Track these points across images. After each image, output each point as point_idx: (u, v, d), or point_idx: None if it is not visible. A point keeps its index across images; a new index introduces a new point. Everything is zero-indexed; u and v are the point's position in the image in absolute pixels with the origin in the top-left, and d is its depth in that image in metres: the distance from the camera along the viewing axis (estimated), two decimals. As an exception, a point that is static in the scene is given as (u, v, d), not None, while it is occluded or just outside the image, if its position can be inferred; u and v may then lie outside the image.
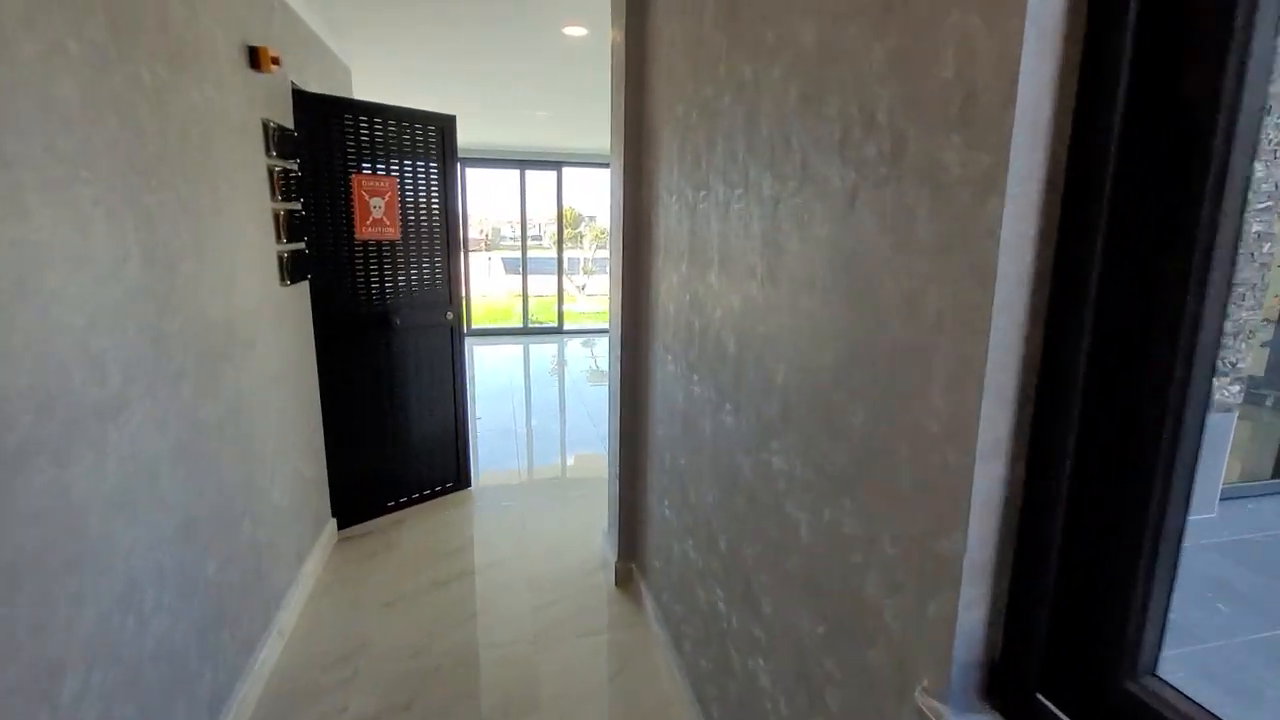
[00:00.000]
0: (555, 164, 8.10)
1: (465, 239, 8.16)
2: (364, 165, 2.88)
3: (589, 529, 3.10)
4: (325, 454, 2.88)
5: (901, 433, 0.86)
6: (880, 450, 0.92)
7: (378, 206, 2.95)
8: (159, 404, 1.47)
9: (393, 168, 2.99)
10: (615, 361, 2.57)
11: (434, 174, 3.15)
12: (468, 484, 3.55)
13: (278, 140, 2.33)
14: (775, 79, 1.21)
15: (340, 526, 3.00)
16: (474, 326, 8.31)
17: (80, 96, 1.23)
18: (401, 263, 3.08)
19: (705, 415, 1.71)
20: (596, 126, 6.07)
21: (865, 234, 0.94)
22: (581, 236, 16.03)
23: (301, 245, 2.61)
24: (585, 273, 12.83)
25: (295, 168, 2.55)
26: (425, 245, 3.17)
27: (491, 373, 6.48)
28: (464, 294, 8.93)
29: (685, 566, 1.92)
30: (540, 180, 8.48)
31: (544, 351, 7.69)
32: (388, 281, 3.05)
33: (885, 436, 0.90)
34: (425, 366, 3.27)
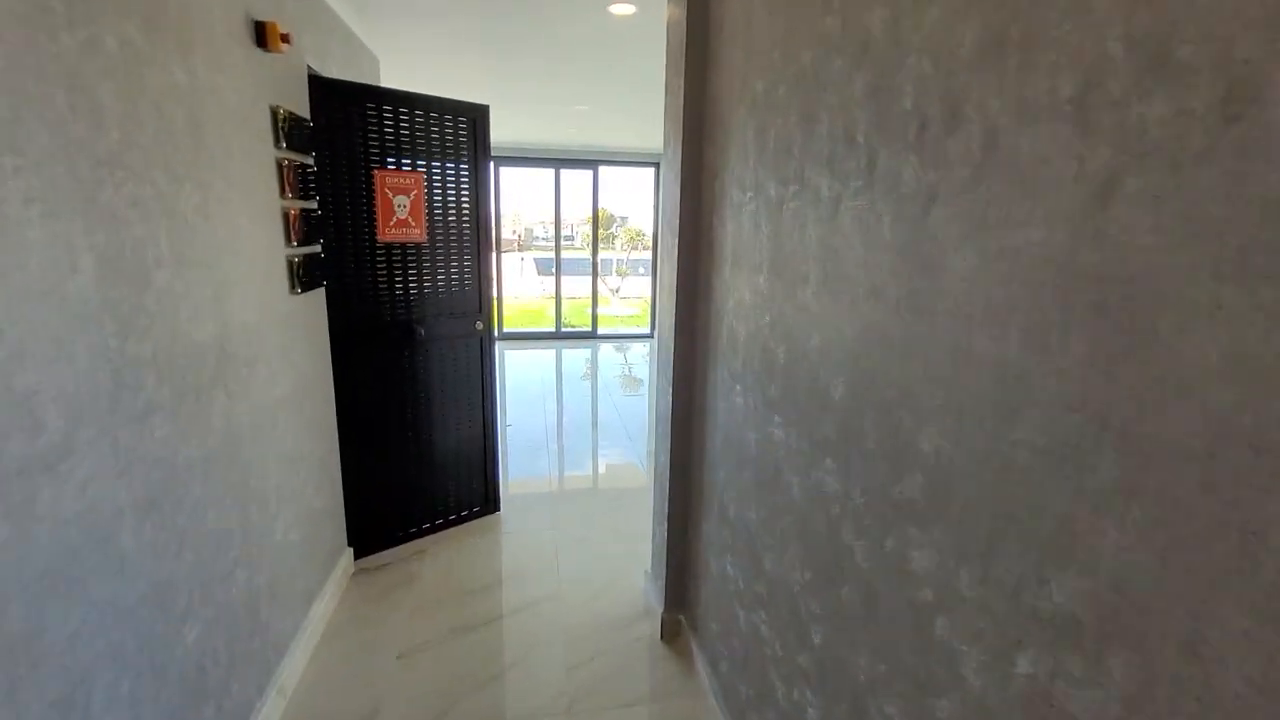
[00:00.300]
0: (591, 163, 7.82)
1: (498, 241, 7.94)
2: (388, 160, 2.60)
3: (628, 561, 2.77)
4: (342, 477, 2.61)
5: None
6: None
7: (402, 206, 2.67)
8: (118, 448, 1.19)
9: (419, 163, 2.71)
10: (665, 385, 2.23)
11: (464, 170, 2.86)
12: (496, 508, 3.26)
13: (289, 130, 2.06)
14: (934, 21, 0.85)
15: (358, 555, 2.73)
16: (505, 330, 8.08)
17: (5, 61, 0.95)
18: (428, 268, 2.80)
19: (790, 469, 1.36)
20: (637, 121, 5.75)
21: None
22: (614, 238, 15.72)
23: (317, 248, 2.34)
24: (619, 274, 12.52)
25: (311, 162, 2.28)
26: (454, 249, 2.89)
27: (523, 378, 6.21)
28: (496, 297, 8.78)
29: (756, 644, 1.57)
30: (575, 180, 8.21)
31: (577, 356, 7.41)
32: (412, 288, 2.77)
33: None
34: (452, 380, 2.98)
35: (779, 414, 1.42)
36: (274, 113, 1.96)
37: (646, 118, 5.53)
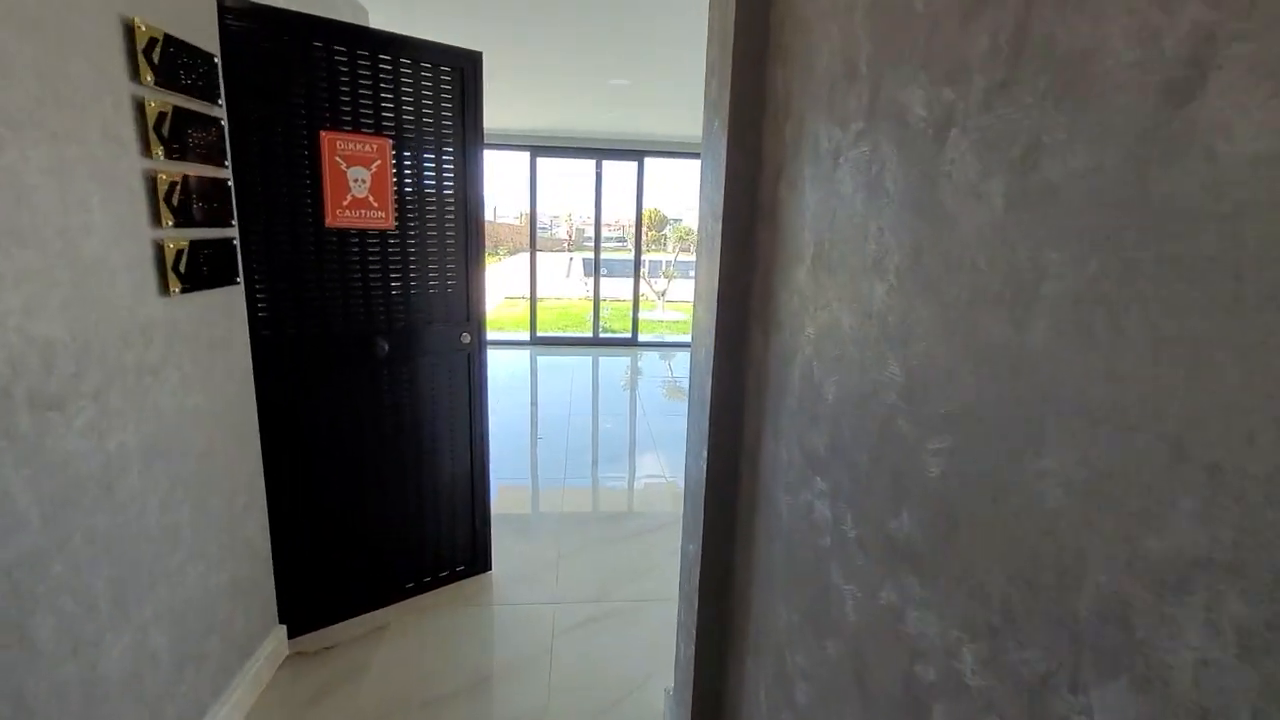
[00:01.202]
0: (636, 154, 7.13)
1: (543, 237, 7.34)
2: (341, 120, 1.97)
3: (648, 661, 2.05)
4: (272, 536, 1.99)
5: None
6: None
7: (359, 181, 2.03)
8: None
9: (385, 126, 2.06)
10: (697, 442, 1.50)
11: (448, 137, 2.20)
12: (486, 565, 2.59)
13: (168, 61, 1.43)
14: None
15: (295, 632, 2.11)
16: (539, 334, 7.48)
17: None
18: (396, 263, 2.16)
19: (922, 662, 0.61)
20: (687, 103, 5.01)
21: None
22: (665, 239, 14.98)
23: (227, 232, 1.71)
24: (666, 277, 11.75)
25: (217, 113, 1.66)
26: (433, 240, 2.23)
27: (554, 389, 5.56)
28: (530, 298, 8.05)
29: None
30: (619, 173, 7.54)
31: (614, 366, 6.72)
32: (374, 288, 2.12)
33: None
34: (430, 407, 2.33)
35: (894, 571, 0.67)
36: (129, 29, 1.34)
37: (694, 98, 4.78)
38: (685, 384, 6.07)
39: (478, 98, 2.25)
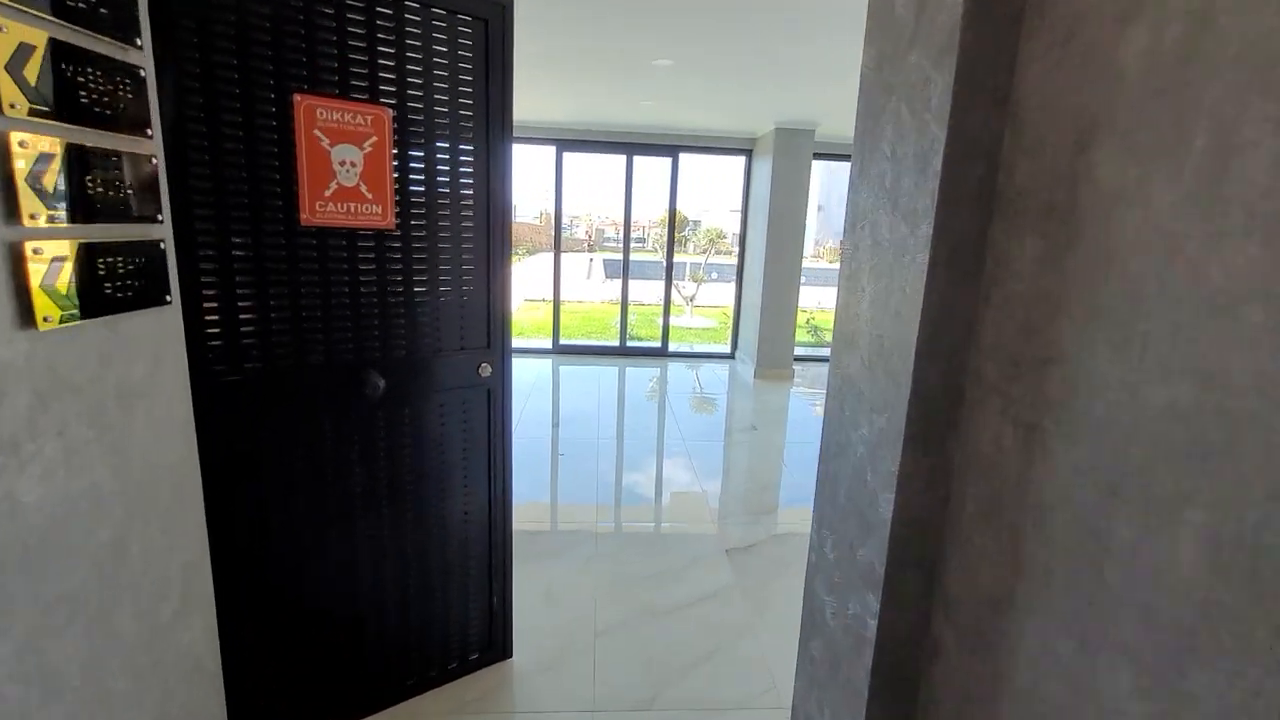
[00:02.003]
0: (670, 149, 6.59)
1: (563, 237, 6.82)
2: (324, 80, 1.46)
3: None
4: (222, 644, 1.48)
5: None
6: None
7: (349, 165, 1.51)
8: None
9: (384, 91, 1.55)
10: (819, 592, 0.96)
11: (465, 112, 1.68)
12: (505, 652, 2.07)
13: (32, -33, 0.92)
14: None
15: (259, 757, 1.60)
16: (562, 342, 6.97)
17: None
18: (397, 275, 1.64)
19: None
20: (730, 92, 4.47)
21: None
22: (686, 240, 14.38)
23: (150, 231, 1.21)
24: (695, 280, 11.13)
25: (134, 58, 1.15)
26: (446, 245, 1.72)
27: (579, 405, 5.04)
28: (554, 302, 7.59)
29: None
30: (650, 170, 7.02)
31: (643, 378, 6.19)
32: (367, 308, 1.61)
33: None
34: (437, 461, 1.81)
35: None
36: (-44, -96, 0.83)
37: (747, 84, 4.24)
38: (716, 400, 5.53)
39: (506, 60, 1.72)
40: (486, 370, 1.84)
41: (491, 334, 1.84)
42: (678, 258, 17.94)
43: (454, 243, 1.73)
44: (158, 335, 1.24)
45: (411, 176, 1.62)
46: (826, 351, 8.30)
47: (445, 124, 1.65)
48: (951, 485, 0.80)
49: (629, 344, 7.21)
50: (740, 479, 3.72)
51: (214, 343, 1.41)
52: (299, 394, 1.54)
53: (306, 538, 1.61)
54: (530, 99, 5.18)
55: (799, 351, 7.22)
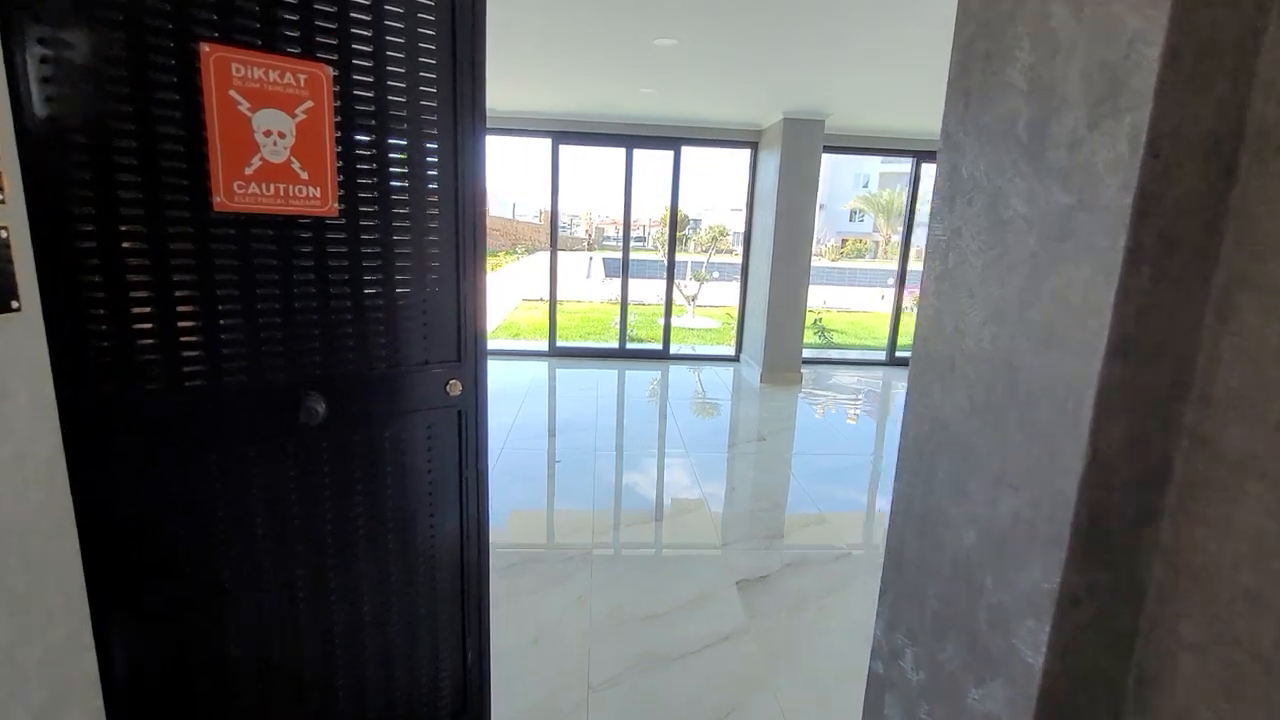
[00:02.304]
0: (672, 141, 6.28)
1: (562, 236, 6.52)
2: (241, 25, 1.15)
3: None
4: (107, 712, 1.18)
5: None
6: None
7: (277, 135, 1.21)
8: None
9: (322, 43, 1.24)
10: None
11: (428, 73, 1.38)
12: (482, 718, 1.76)
13: None
14: None
15: None
16: (559, 344, 6.66)
17: None
18: (341, 273, 1.33)
19: None
20: (741, 77, 4.16)
21: None
22: (687, 239, 14.08)
23: (-14, 218, 0.90)
24: (697, 279, 10.84)
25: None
26: (404, 238, 1.41)
27: (575, 411, 4.74)
28: (553, 298, 7.26)
29: None
30: (650, 166, 6.72)
31: (643, 381, 5.89)
32: (303, 315, 1.30)
33: None
34: (398, 496, 1.50)
35: None
36: None
37: (754, 68, 3.94)
38: (720, 406, 5.23)
39: (477, 11, 1.42)
40: (456, 388, 1.53)
41: (463, 345, 1.54)
42: (679, 256, 17.58)
43: (416, 235, 1.42)
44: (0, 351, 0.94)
45: (360, 153, 1.32)
46: (836, 354, 8.00)
47: (402, 89, 1.35)
48: (1143, 616, 0.50)
49: (629, 346, 6.91)
50: (748, 496, 3.42)
51: (96, 362, 1.10)
52: (211, 421, 1.24)
53: (223, 600, 1.30)
54: (525, 88, 4.88)
55: (807, 354, 6.92)
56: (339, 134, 1.28)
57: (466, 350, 1.54)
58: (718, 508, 3.21)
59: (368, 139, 1.32)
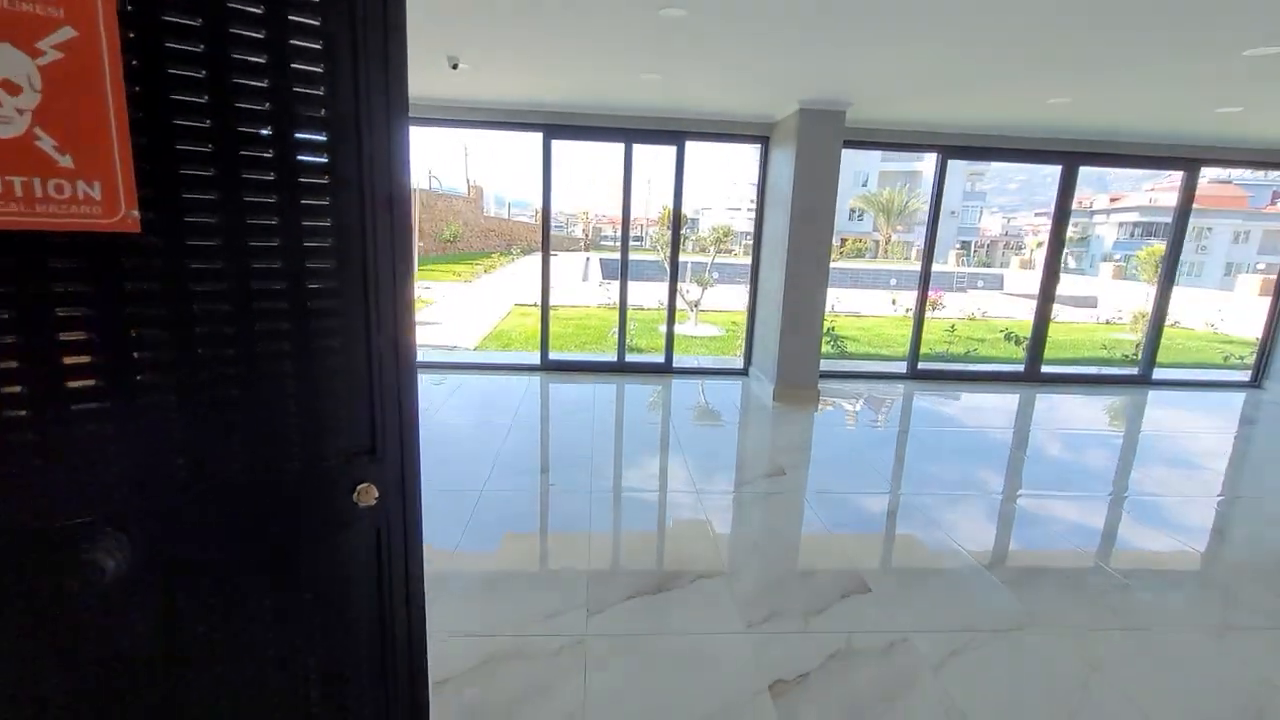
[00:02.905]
0: (674, 135, 5.73)
1: (558, 237, 5.95)
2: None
3: None
4: None
5: None
6: None
7: (8, 86, 0.66)
8: None
9: (88, -79, 0.69)
10: None
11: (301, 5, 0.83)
12: None
13: None
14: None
15: None
16: (552, 356, 6.12)
17: None
18: (155, 329, 0.79)
19: None
20: (758, 57, 3.62)
21: None
22: (686, 239, 13.49)
23: None
24: (699, 283, 10.22)
25: None
26: (278, 265, 0.86)
27: (568, 439, 4.20)
28: (545, 305, 6.44)
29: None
30: (648, 162, 6.19)
31: (644, 400, 5.35)
32: (80, 407, 0.75)
33: None
34: (256, 696, 0.95)
35: None
36: None
37: (771, 45, 3.39)
38: (730, 431, 4.69)
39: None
40: (371, 495, 0.99)
41: (381, 426, 0.99)
42: (680, 258, 17.01)
43: (293, 258, 0.88)
44: None
45: (183, 122, 0.77)
46: (852, 365, 7.45)
47: (259, 15, 0.80)
48: None
49: (628, 359, 6.36)
50: (772, 553, 2.88)
51: None
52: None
53: None
54: (511, 76, 4.33)
55: (823, 366, 6.38)
56: (137, 87, 0.74)
57: (387, 432, 1.00)
58: (736, 570, 2.66)
59: (198, 98, 0.78)
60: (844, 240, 38.15)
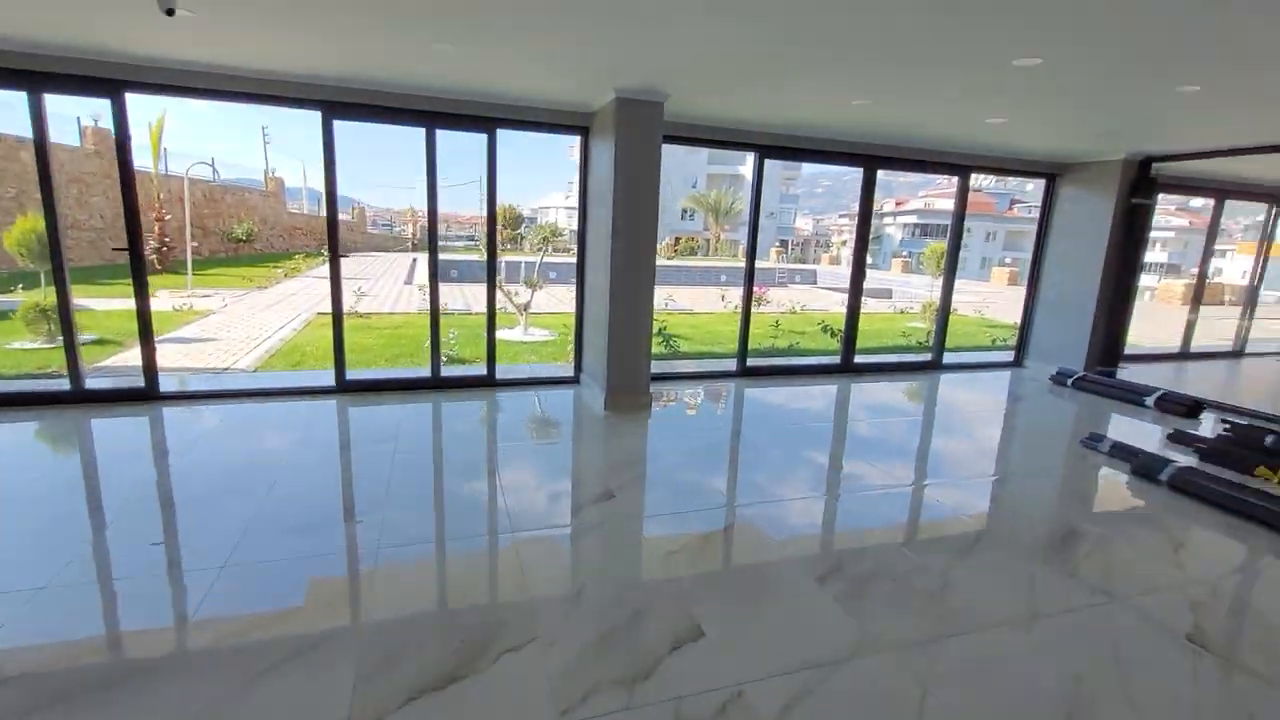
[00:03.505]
0: (484, 122, 5.14)
1: (333, 227, 5.04)
2: None
3: None
4: None
5: None
6: None
7: None
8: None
9: None
10: None
11: None
12: None
13: None
14: None
15: None
16: (350, 376, 5.22)
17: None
18: None
19: None
20: (565, 19, 3.18)
21: None
22: (522, 238, 12.79)
23: None
24: (529, 285, 9.57)
25: None
26: None
27: (360, 473, 3.47)
28: (338, 314, 5.22)
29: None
30: (461, 147, 5.54)
31: (463, 420, 4.72)
32: None
33: None
34: None
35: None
36: None
37: (587, 11, 2.98)
38: (558, 447, 4.27)
39: None
40: None
41: None
42: (511, 257, 16.12)
43: None
44: None
45: None
46: (684, 366, 7.38)
47: None
48: None
49: (446, 372, 5.64)
50: (597, 603, 2.48)
51: None
52: None
53: None
54: (259, 32, 3.46)
55: (653, 368, 6.18)
56: None
57: None
58: (552, 633, 2.22)
59: None
60: (678, 239, 39.63)
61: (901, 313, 15.13)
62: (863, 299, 6.73)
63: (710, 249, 41.60)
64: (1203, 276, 8.89)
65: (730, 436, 4.59)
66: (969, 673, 2.08)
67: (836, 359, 6.86)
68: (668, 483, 3.63)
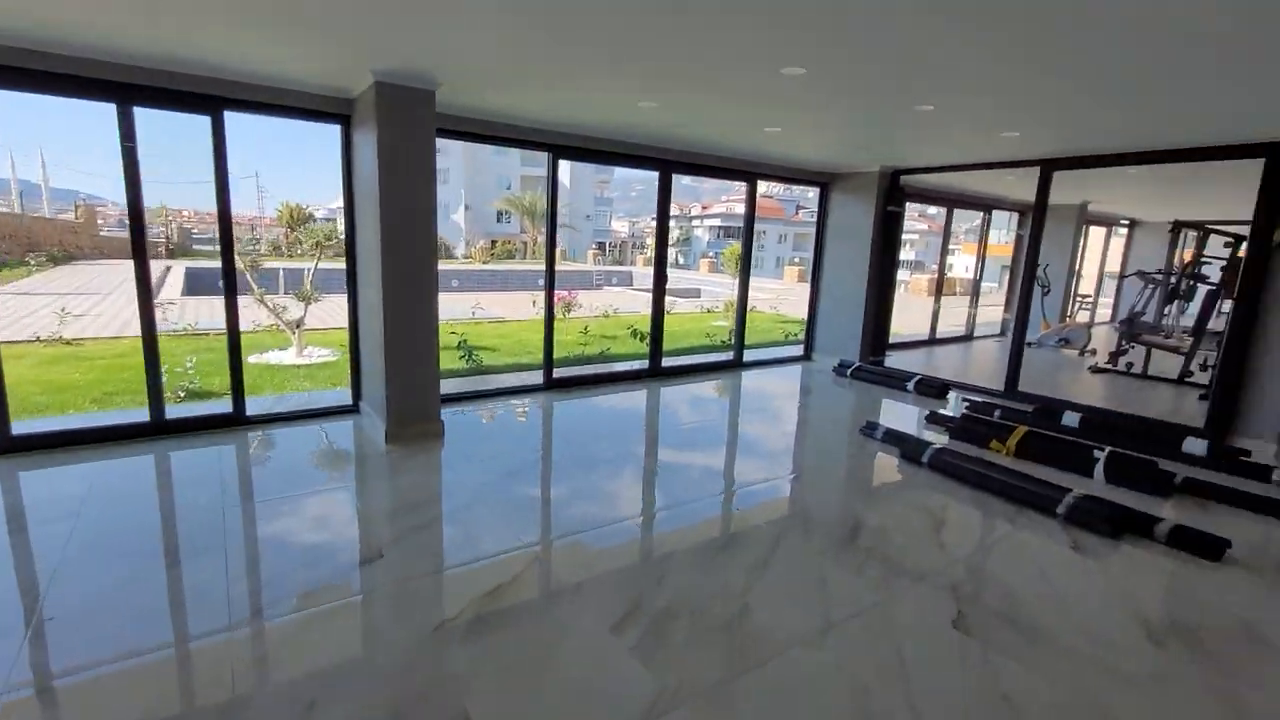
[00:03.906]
0: (207, 101, 4.15)
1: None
2: None
3: None
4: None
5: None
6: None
7: None
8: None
9: None
10: None
11: None
12: None
13: None
14: None
15: None
16: (18, 430, 3.91)
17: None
18: None
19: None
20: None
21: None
22: (299, 243, 11.10)
23: None
24: (302, 298, 8.12)
25: None
26: None
27: (27, 567, 2.50)
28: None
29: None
30: (194, 133, 4.45)
31: (198, 476, 3.77)
32: None
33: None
34: None
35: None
36: None
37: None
38: (328, 496, 3.59)
39: None
40: None
41: None
42: (289, 264, 14.04)
43: None
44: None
45: None
46: (484, 383, 6.80)
47: None
48: None
49: (176, 413, 4.51)
50: (350, 708, 1.95)
51: None
52: None
53: None
54: None
55: (447, 388, 5.59)
56: None
57: None
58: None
59: None
60: (494, 242, 38.29)
61: (708, 312, 15.95)
62: (668, 300, 6.77)
63: (528, 252, 40.87)
64: (942, 272, 10.50)
65: (528, 465, 4.19)
66: (767, 710, 1.94)
67: (645, 364, 6.84)
68: (453, 527, 3.15)
